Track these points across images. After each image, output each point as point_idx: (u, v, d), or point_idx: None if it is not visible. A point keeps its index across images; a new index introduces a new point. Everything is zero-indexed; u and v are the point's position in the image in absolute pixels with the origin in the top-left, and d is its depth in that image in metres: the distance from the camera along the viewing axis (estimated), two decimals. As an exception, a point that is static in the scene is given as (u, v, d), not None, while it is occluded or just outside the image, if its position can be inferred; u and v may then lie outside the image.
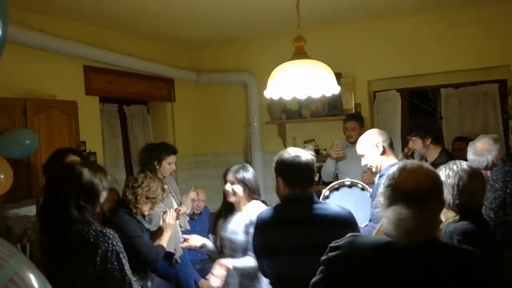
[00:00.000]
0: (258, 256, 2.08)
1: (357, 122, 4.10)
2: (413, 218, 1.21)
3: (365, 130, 2.92)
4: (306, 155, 1.96)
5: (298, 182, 1.94)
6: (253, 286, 2.40)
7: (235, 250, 2.43)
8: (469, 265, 1.22)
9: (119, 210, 2.72)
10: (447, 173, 1.83)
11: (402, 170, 1.30)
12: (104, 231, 1.75)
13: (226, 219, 2.54)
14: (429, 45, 4.31)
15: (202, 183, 5.08)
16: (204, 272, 3.69)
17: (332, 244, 1.36)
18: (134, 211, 2.74)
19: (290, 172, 1.93)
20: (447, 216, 1.85)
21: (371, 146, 2.56)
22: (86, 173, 1.82)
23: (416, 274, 1.20)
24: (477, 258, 1.25)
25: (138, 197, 2.71)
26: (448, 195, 1.80)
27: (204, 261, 3.80)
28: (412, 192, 1.24)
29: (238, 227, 2.44)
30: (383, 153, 2.54)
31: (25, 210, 3.36)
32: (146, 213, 2.82)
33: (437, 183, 1.31)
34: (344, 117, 4.29)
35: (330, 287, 1.34)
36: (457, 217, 1.80)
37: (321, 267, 1.36)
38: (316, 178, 4.25)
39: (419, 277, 1.20)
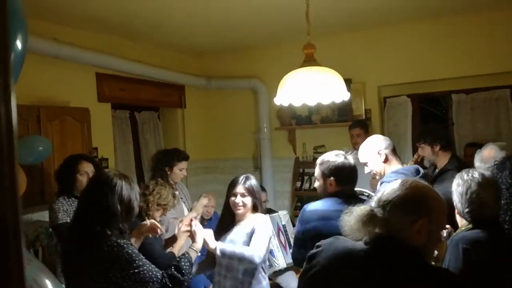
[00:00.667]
0: (301, 244, 2.18)
1: (362, 128, 4.07)
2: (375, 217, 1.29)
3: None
4: (351, 158, 2.28)
5: (347, 180, 2.24)
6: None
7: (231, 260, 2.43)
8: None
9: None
10: (457, 182, 1.82)
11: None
12: (119, 241, 1.77)
13: (227, 231, 2.54)
14: (440, 51, 4.29)
15: (211, 189, 5.10)
16: (213, 277, 3.69)
17: (318, 243, 1.43)
18: (146, 218, 2.76)
19: (342, 173, 2.22)
20: (461, 225, 1.84)
21: (373, 154, 2.50)
22: (125, 185, 1.82)
23: (377, 282, 1.22)
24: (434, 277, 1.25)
25: (150, 204, 2.73)
26: (458, 203, 1.80)
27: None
28: (380, 198, 1.31)
29: (237, 237, 2.46)
30: (386, 160, 2.47)
31: (37, 215, 3.41)
32: (157, 219, 2.83)
33: (409, 198, 1.28)
34: (355, 123, 4.27)
35: (308, 280, 1.41)
36: (470, 226, 1.79)
37: (305, 261, 1.44)
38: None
39: (380, 285, 1.22)
